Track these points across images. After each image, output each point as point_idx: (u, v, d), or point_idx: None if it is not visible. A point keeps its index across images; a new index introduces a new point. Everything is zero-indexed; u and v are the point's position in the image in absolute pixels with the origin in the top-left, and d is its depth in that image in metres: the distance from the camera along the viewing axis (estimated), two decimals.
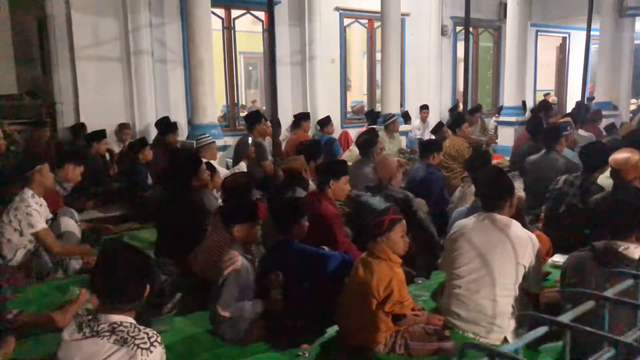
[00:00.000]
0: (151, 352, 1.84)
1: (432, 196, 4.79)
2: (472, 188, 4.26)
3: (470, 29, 8.11)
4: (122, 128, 7.39)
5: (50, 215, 4.14)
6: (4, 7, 8.44)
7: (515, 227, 2.94)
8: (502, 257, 2.89)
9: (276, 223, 3.33)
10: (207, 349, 2.99)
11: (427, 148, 4.96)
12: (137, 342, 1.83)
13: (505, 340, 2.92)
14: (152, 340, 1.87)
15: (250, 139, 6.33)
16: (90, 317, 1.94)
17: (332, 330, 3.11)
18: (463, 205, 4.27)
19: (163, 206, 4.13)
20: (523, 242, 2.88)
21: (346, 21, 9.75)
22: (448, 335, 2.89)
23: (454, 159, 6.33)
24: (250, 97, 14.36)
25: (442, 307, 3.15)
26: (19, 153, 6.57)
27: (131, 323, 1.91)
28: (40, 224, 3.87)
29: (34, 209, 3.87)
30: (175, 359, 2.78)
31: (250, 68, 15.05)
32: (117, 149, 7.24)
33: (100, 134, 6.41)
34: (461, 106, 10.43)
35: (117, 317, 1.89)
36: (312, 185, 4.64)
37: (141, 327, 1.91)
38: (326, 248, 3.51)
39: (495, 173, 3.17)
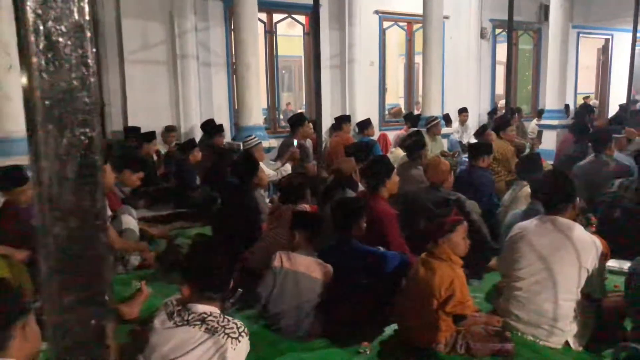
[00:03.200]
0: (239, 341, 1.92)
1: (480, 199, 4.78)
2: (525, 191, 4.26)
3: None
4: (168, 130, 7.56)
5: (110, 213, 4.29)
6: None
7: (579, 230, 2.94)
8: (564, 260, 2.90)
9: (335, 222, 3.39)
10: (269, 343, 3.07)
11: (477, 151, 4.96)
12: (227, 331, 1.92)
13: (567, 344, 2.92)
14: (240, 330, 1.95)
15: (295, 141, 6.42)
16: (180, 306, 2.03)
17: (390, 329, 3.16)
18: (514, 208, 4.27)
19: (221, 205, 4.23)
20: (587, 245, 2.88)
21: (385, 24, 9.79)
22: (509, 337, 2.90)
23: (498, 162, 6.30)
24: (284, 100, 14.53)
25: (500, 309, 3.16)
26: None
27: (220, 313, 2.00)
28: None
29: None
30: None
31: (283, 72, 15.23)
32: (163, 150, 7.43)
33: (151, 136, 6.60)
34: (502, 109, 10.34)
35: (206, 307, 1.98)
36: (360, 187, 4.70)
37: (230, 318, 1.99)
38: (381, 248, 3.55)
39: (558, 176, 3.16)
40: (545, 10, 10.96)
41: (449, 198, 4.04)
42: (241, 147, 6.19)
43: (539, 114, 10.55)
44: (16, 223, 3.93)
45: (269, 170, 6.06)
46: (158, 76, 7.65)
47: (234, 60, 7.79)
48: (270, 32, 8.75)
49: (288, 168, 6.23)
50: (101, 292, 0.58)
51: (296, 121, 6.74)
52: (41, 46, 0.51)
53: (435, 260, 2.92)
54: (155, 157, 7.04)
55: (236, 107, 7.85)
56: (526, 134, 9.92)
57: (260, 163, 5.57)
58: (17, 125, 5.35)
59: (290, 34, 10.73)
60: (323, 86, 5.84)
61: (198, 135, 7.37)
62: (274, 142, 7.07)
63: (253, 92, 6.66)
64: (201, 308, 1.99)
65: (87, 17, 0.53)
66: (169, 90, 7.73)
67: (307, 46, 9.22)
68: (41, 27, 0.51)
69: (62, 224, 0.55)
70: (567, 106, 10.10)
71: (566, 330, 2.90)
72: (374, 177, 3.89)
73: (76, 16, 0.53)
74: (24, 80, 0.54)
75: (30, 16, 0.50)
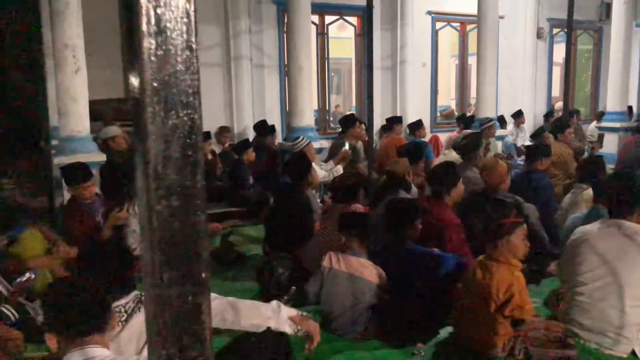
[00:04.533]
0: None
1: (538, 202, 4.64)
2: (586, 194, 4.10)
3: None
4: (222, 131, 7.73)
5: None
6: (116, 20, 9.12)
7: None
8: (631, 265, 2.78)
9: (388, 222, 3.38)
10: (323, 341, 3.08)
11: (535, 152, 4.81)
12: None
13: (633, 353, 2.79)
14: None
15: (346, 142, 6.43)
16: None
17: (445, 332, 3.11)
18: (574, 212, 4.13)
19: (273, 204, 4.29)
20: None
21: (438, 25, 9.66)
22: (572, 344, 2.80)
23: (556, 165, 6.09)
24: (333, 102, 14.57)
25: (562, 315, 3.06)
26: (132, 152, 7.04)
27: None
28: None
29: None
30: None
31: (332, 74, 15.28)
32: (217, 150, 7.59)
33: (206, 136, 6.76)
34: (558, 111, 10.01)
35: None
36: (414, 188, 4.66)
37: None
38: (436, 250, 3.51)
39: (624, 178, 3.04)
40: (607, 9, 10.53)
41: (506, 200, 3.94)
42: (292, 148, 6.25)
43: (599, 116, 10.13)
44: (80, 217, 4.13)
45: (320, 170, 6.09)
46: (213, 78, 7.82)
47: (286, 62, 7.89)
48: (322, 34, 8.79)
49: (340, 169, 6.24)
50: (199, 269, 0.60)
51: (347, 122, 6.74)
52: (152, 30, 0.54)
53: (493, 263, 2.85)
54: (210, 157, 7.22)
55: (288, 108, 7.95)
56: (584, 137, 9.56)
57: (312, 163, 5.62)
58: (81, 125, 5.60)
59: (340, 36, 10.75)
60: (374, 87, 5.85)
61: (251, 135, 7.50)
62: (325, 143, 7.10)
63: (305, 94, 6.71)
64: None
65: (193, 5, 0.55)
66: (223, 91, 7.89)
67: (358, 48, 9.22)
68: (152, 13, 0.54)
69: (165, 202, 0.57)
70: (630, 108, 9.67)
71: (633, 339, 2.78)
72: (441, 183, 3.80)
73: (183, 3, 0.55)
74: (131, 64, 0.56)
75: (143, 2, 0.53)
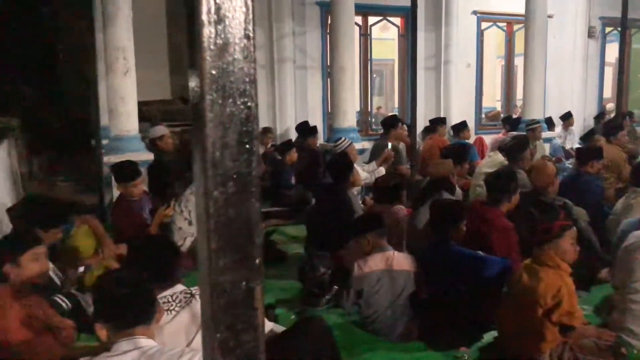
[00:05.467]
0: None
1: (587, 206, 4.48)
2: None
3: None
4: (265, 132, 7.80)
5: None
6: (163, 24, 9.36)
7: None
8: None
9: (432, 224, 3.33)
10: (365, 342, 3.07)
11: (586, 155, 4.66)
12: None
13: None
14: None
15: (389, 144, 6.39)
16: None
17: (490, 336, 3.05)
18: (628, 217, 3.96)
19: (314, 205, 4.31)
20: None
21: (483, 25, 9.47)
22: (625, 354, 2.70)
23: (608, 168, 5.87)
24: (375, 104, 14.49)
25: (614, 323, 2.95)
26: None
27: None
28: None
29: None
30: None
31: (374, 76, 15.20)
32: (260, 151, 7.68)
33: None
34: (610, 112, 9.65)
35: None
36: (458, 191, 4.59)
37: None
38: (481, 252, 3.43)
39: None
40: None
41: (554, 203, 3.83)
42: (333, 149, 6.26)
43: None
44: (128, 214, 4.25)
45: (362, 172, 6.07)
46: (257, 79, 7.89)
47: (329, 64, 7.90)
48: (365, 35, 8.77)
49: (382, 170, 6.20)
50: (253, 256, 0.61)
51: (390, 123, 6.70)
52: (212, 20, 0.55)
53: (541, 267, 2.77)
54: None
55: (330, 109, 7.96)
56: (639, 140, 9.17)
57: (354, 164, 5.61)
58: (130, 125, 5.78)
59: (383, 37, 10.69)
60: (417, 88, 5.80)
61: (293, 137, 7.54)
62: (367, 145, 7.08)
63: (348, 95, 6.72)
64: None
65: None
66: (266, 92, 7.96)
67: (401, 48, 9.15)
68: (212, 2, 0.55)
69: (222, 189, 0.58)
70: None
71: None
72: (500, 191, 3.70)
73: None
74: (191, 53, 0.57)
75: None
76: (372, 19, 8.78)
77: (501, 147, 5.54)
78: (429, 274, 3.20)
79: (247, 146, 0.59)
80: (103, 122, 6.26)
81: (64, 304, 2.87)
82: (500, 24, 9.69)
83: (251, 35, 0.57)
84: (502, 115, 9.81)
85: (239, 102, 0.58)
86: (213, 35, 0.55)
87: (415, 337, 3.05)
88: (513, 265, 3.14)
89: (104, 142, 6.03)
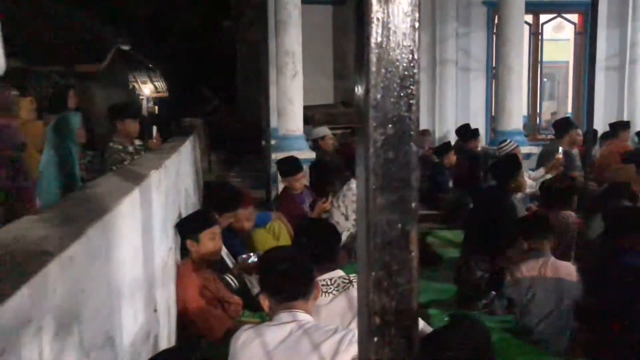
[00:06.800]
0: None
1: None
2: None
3: None
4: (423, 134, 7.72)
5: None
6: (329, 32, 9.79)
7: None
8: None
9: (607, 233, 3.02)
10: (522, 353, 2.88)
11: None
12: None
13: None
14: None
15: (560, 148, 5.90)
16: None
17: None
18: None
19: (473, 209, 4.16)
20: None
21: None
22: None
23: None
24: (545, 109, 13.50)
25: None
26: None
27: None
28: None
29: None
30: None
31: (545, 79, 14.16)
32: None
33: None
34: None
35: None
36: None
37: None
38: None
39: None
40: None
41: None
42: (495, 152, 5.97)
43: None
44: (290, 205, 4.53)
45: (528, 179, 5.69)
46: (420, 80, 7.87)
47: (494, 65, 7.57)
48: (536, 34, 8.22)
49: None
50: (409, 198, 0.62)
51: (562, 126, 6.18)
52: (379, 21, 0.59)
53: None
54: None
55: (493, 113, 7.61)
56: None
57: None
58: (295, 125, 6.16)
59: (556, 37, 9.91)
60: (596, 90, 5.27)
61: (452, 139, 7.35)
62: (534, 150, 6.63)
63: (514, 96, 6.37)
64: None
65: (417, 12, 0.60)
66: (427, 95, 7.89)
67: (578, 47, 8.41)
68: (379, 7, 0.60)
69: (381, 130, 0.61)
70: None
71: None
72: None
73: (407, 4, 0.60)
74: (358, 53, 0.62)
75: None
76: (544, 17, 8.21)
77: None
78: (601, 287, 2.90)
79: (408, 90, 0.61)
80: (272, 124, 6.74)
81: (232, 283, 3.15)
82: None
83: (415, 36, 0.60)
84: None
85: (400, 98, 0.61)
86: (379, 37, 0.60)
87: (581, 354, 2.78)
88: None
89: (273, 142, 6.49)
